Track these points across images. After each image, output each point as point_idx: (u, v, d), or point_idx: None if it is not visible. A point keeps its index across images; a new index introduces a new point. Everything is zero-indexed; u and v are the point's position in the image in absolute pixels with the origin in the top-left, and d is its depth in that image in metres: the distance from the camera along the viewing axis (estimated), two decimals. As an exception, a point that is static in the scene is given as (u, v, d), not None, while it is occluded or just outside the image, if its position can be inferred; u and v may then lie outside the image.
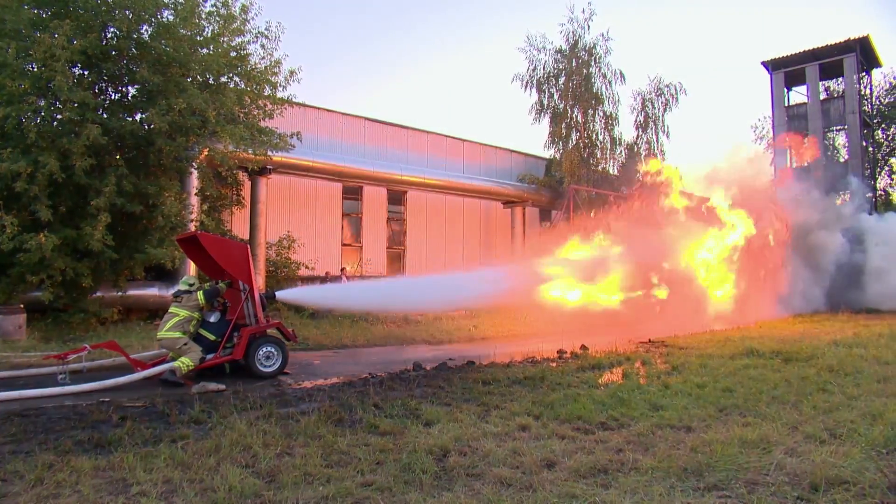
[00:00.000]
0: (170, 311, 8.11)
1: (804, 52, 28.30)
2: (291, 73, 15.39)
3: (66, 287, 12.15)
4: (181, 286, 8.33)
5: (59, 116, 12.35)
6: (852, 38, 27.07)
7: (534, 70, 23.42)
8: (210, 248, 8.33)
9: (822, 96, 29.57)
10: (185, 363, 7.65)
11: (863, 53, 27.69)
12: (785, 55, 28.89)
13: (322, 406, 5.99)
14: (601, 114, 23.56)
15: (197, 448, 4.65)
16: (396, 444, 4.85)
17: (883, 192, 34.68)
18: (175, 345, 7.82)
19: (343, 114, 20.32)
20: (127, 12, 12.68)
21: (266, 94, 15.13)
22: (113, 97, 13.76)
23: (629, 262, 14.02)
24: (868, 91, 30.43)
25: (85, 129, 11.65)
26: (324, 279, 17.03)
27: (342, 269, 17.61)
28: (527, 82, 23.62)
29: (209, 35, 14.23)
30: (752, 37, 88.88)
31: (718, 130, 71.42)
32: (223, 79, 14.59)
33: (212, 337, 8.23)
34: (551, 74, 23.29)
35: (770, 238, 19.20)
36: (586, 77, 22.94)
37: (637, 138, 24.66)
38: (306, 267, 17.88)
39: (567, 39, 23.28)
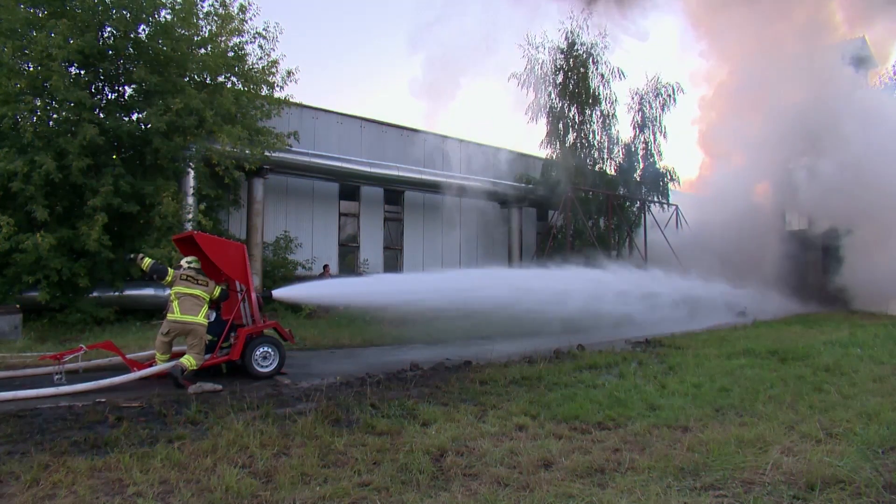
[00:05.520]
0: (190, 292, 7.72)
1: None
2: (289, 73, 15.41)
3: (62, 287, 12.13)
4: (192, 262, 8.07)
5: (55, 116, 12.35)
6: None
7: (531, 69, 23.35)
8: (207, 249, 8.30)
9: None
10: (190, 362, 7.61)
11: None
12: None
13: (319, 406, 5.98)
14: (598, 113, 23.51)
15: (193, 448, 4.64)
16: (393, 444, 4.85)
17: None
18: (198, 333, 7.66)
19: (340, 114, 20.28)
20: (124, 12, 12.67)
21: (263, 94, 15.13)
22: (110, 97, 13.76)
23: None
24: None
25: (82, 128, 11.64)
26: (321, 274, 17.03)
27: (325, 266, 17.59)
28: (524, 81, 23.53)
29: (207, 35, 14.24)
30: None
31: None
32: (221, 79, 14.60)
33: (208, 337, 8.21)
34: (549, 73, 23.22)
35: None
36: (583, 76, 22.89)
37: (634, 138, 24.65)
38: (303, 267, 17.85)
39: (566, 38, 23.23)
